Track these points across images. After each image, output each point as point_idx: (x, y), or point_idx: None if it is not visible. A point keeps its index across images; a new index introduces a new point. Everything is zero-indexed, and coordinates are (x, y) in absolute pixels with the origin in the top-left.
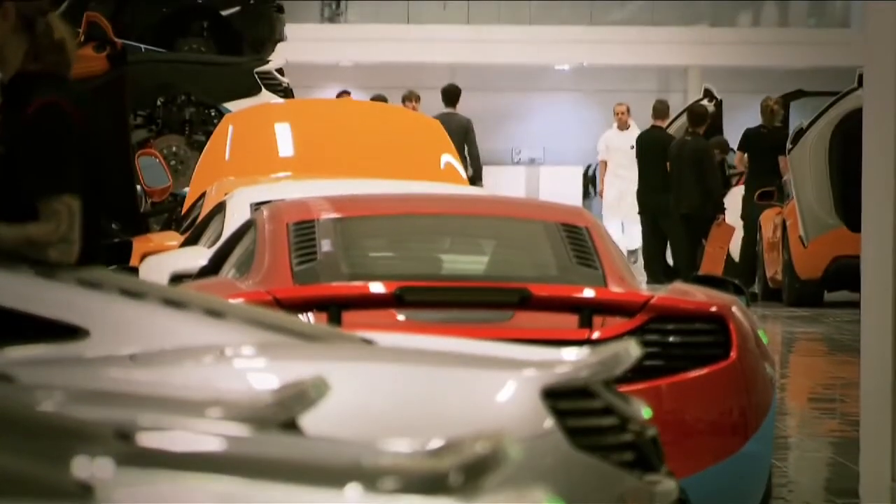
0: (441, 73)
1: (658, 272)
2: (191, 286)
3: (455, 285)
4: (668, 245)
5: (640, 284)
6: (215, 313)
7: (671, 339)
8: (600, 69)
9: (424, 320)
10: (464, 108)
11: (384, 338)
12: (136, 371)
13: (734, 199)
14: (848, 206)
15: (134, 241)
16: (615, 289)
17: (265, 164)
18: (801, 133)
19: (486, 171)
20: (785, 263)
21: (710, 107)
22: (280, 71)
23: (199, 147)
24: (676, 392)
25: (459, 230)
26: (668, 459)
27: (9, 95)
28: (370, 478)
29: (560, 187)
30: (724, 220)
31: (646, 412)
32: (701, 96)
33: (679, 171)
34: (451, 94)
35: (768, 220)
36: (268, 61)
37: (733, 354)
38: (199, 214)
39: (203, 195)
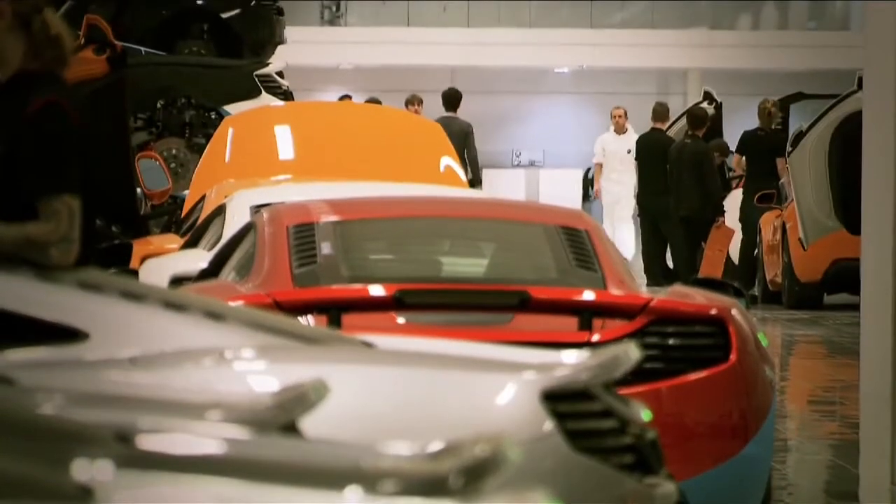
0: (441, 75)
1: (658, 275)
2: (191, 289)
3: (455, 288)
4: (668, 248)
5: (640, 287)
6: (215, 316)
7: (671, 341)
8: (600, 72)
9: (424, 323)
10: (464, 110)
11: (384, 340)
12: (135, 373)
13: (734, 202)
14: (848, 208)
15: (134, 243)
16: (615, 291)
17: (265, 167)
18: (800, 136)
19: (486, 174)
20: (785, 266)
21: (710, 109)
22: (280, 74)
23: (199, 150)
24: (676, 395)
25: (459, 233)
26: (667, 462)
27: (8, 95)
28: (370, 480)
29: (560, 190)
30: (723, 222)
31: (645, 415)
32: (701, 99)
33: (679, 173)
34: (451, 99)
35: (768, 222)
36: (268, 64)
37: (733, 357)
38: (198, 217)
39: (203, 198)
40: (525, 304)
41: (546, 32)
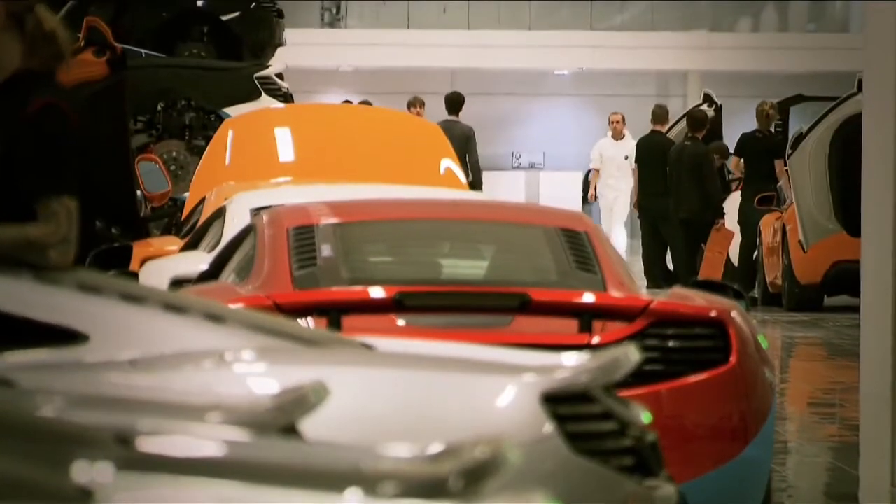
0: (441, 78)
1: (658, 277)
2: (191, 291)
3: (455, 290)
4: (668, 250)
5: (640, 289)
6: (215, 318)
7: (671, 343)
8: (600, 74)
9: (424, 325)
10: (464, 113)
11: (384, 342)
12: (135, 376)
13: (733, 204)
14: (847, 210)
15: (134, 245)
16: (615, 293)
17: (265, 169)
18: (800, 138)
19: (486, 176)
20: (785, 268)
21: (710, 112)
22: (280, 76)
23: (199, 152)
24: (676, 397)
25: (459, 235)
26: (667, 464)
27: (6, 96)
28: (370, 482)
29: (560, 192)
30: (723, 224)
31: (645, 417)
32: (701, 101)
33: (678, 175)
34: (454, 102)
35: (768, 224)
36: (268, 66)
37: (733, 359)
38: (198, 219)
39: (203, 200)
40: (525, 306)
41: (546, 35)
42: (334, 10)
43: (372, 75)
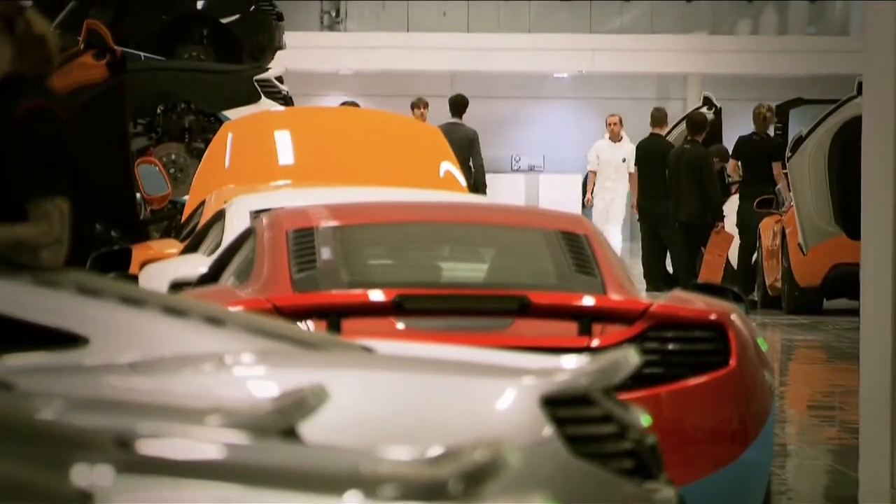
0: (441, 81)
1: (657, 280)
2: (190, 294)
3: (454, 293)
4: (668, 253)
5: (640, 292)
6: (215, 321)
7: (670, 346)
8: (599, 77)
9: (424, 328)
10: (465, 115)
11: (384, 345)
12: (135, 379)
13: (733, 207)
14: (847, 213)
15: (133, 248)
16: (614, 296)
17: (265, 172)
18: (800, 141)
19: (486, 179)
20: (784, 271)
21: (710, 115)
22: (279, 79)
23: (199, 155)
24: (676, 400)
25: (459, 238)
26: (667, 467)
27: None
28: (369, 485)
29: (559, 195)
30: (723, 227)
31: (645, 420)
32: (700, 104)
33: (678, 178)
34: (458, 105)
35: (767, 227)
36: (267, 69)
37: (732, 362)
38: (198, 222)
39: (202, 203)
40: (525, 309)
41: (546, 37)
42: (334, 13)
43: (371, 78)
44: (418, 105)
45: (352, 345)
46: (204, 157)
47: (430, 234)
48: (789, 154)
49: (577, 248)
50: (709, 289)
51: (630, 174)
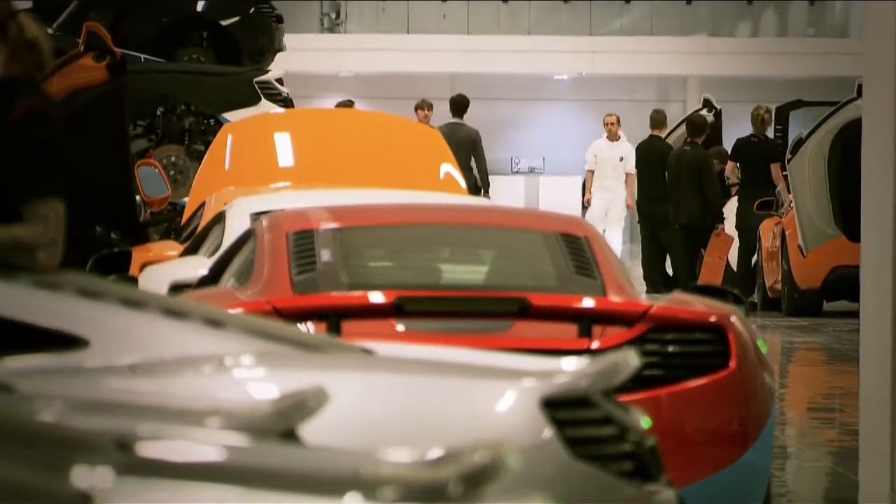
0: (441, 82)
1: (657, 282)
2: (190, 296)
3: (454, 295)
4: (668, 255)
5: (640, 294)
6: (215, 323)
7: (670, 348)
8: (599, 79)
9: (424, 330)
10: (465, 117)
11: (383, 347)
12: (135, 381)
13: (733, 209)
14: (847, 215)
15: (133, 250)
16: (614, 298)
17: (265, 174)
18: (800, 143)
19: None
20: (784, 273)
21: (710, 117)
22: (280, 81)
23: (199, 157)
24: (676, 402)
25: (458, 240)
26: (667, 469)
27: None
28: (369, 487)
29: (559, 197)
30: (723, 229)
31: (645, 422)
32: (700, 106)
33: (678, 180)
34: (458, 105)
35: (767, 229)
36: (267, 71)
37: (732, 364)
38: (198, 224)
39: (202, 205)
40: (524, 311)
41: (545, 39)
42: (334, 15)
43: (371, 80)
44: (422, 107)
45: (352, 347)
46: (204, 159)
47: (430, 236)
48: (789, 156)
49: (576, 249)
50: (709, 291)
51: (627, 174)
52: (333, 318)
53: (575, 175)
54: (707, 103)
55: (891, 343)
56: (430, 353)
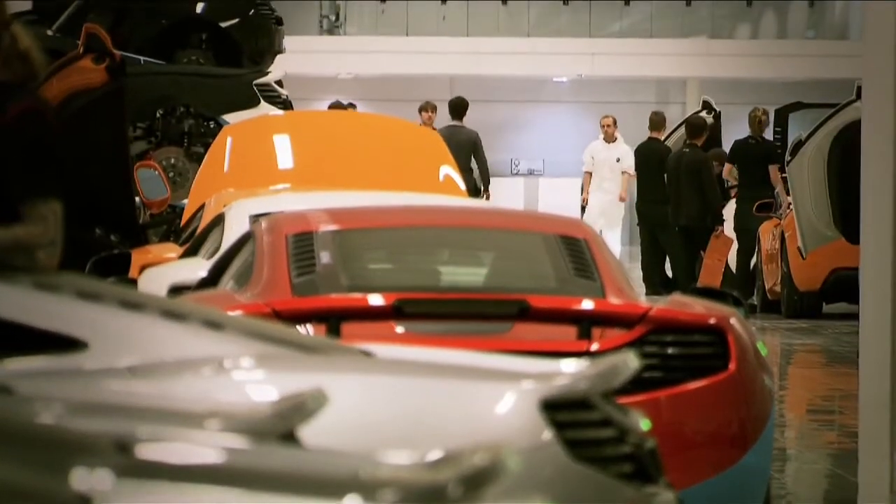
0: (440, 85)
1: (657, 284)
2: (190, 298)
3: (454, 297)
4: (667, 257)
5: (639, 296)
6: (214, 325)
7: (670, 350)
8: (599, 81)
9: (423, 332)
10: (465, 119)
11: (383, 349)
12: (135, 383)
13: (732, 211)
14: (846, 217)
15: (133, 252)
16: (614, 300)
17: (264, 176)
18: (799, 145)
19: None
20: (784, 275)
21: (709, 119)
22: (279, 83)
23: (198, 159)
24: (675, 404)
25: (458, 242)
26: (666, 471)
27: None
28: (369, 490)
29: (559, 199)
30: (722, 231)
31: (644, 424)
32: (699, 108)
33: (677, 182)
34: (458, 107)
35: (767, 231)
36: (267, 73)
37: (732, 366)
38: (197, 226)
39: (202, 207)
40: (524, 313)
41: (545, 42)
42: (333, 17)
43: (371, 82)
44: (426, 108)
45: (351, 349)
46: (203, 161)
47: (430, 238)
48: (788, 158)
49: (576, 251)
50: (708, 293)
51: (623, 174)
52: (333, 320)
53: (574, 177)
54: (706, 105)
55: (890, 345)
56: (430, 355)
